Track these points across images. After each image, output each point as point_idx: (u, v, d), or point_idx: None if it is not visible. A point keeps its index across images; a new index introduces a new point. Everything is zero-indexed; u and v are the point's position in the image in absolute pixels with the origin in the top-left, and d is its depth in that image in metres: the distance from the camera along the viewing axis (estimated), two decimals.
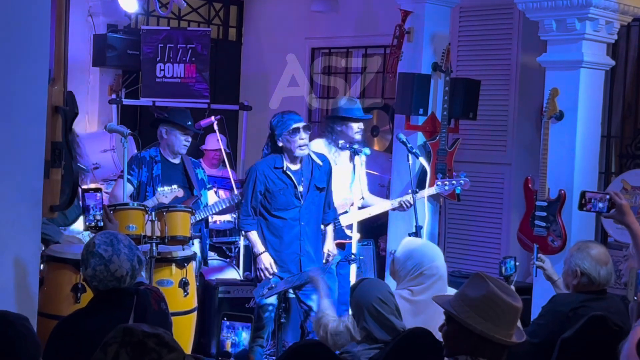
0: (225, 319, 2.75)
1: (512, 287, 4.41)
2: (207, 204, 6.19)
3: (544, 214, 6.14)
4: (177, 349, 2.38)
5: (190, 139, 6.14)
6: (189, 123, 6.11)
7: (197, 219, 5.96)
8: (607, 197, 4.07)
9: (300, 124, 5.55)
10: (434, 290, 4.10)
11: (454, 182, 6.29)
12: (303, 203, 5.62)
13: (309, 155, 5.67)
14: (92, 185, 6.92)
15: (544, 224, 6.13)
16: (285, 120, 5.56)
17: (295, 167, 5.63)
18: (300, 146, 5.54)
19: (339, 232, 6.02)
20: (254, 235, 5.64)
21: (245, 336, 2.74)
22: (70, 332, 3.35)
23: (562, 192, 6.09)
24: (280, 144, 5.58)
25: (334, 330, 4.18)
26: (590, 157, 6.27)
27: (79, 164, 5.07)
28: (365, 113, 6.43)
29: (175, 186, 5.81)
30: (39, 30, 3.61)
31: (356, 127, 6.11)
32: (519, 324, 3.13)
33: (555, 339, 4.03)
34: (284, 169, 5.59)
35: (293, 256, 5.62)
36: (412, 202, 5.96)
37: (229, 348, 2.72)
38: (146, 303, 3.45)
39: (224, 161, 7.51)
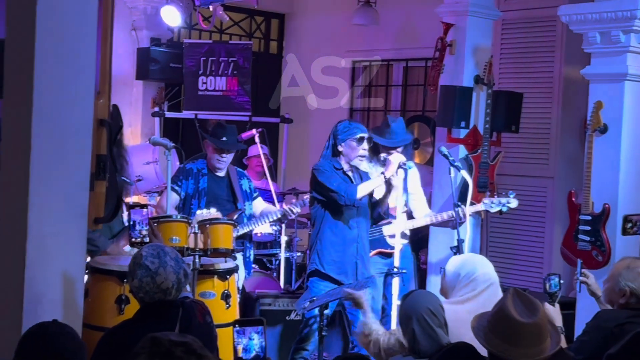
0: (236, 325, 2.77)
1: (557, 304, 4.37)
2: (251, 215, 6.16)
3: (588, 228, 6.07)
4: (205, 356, 2.39)
5: (226, 156, 6.02)
6: (224, 139, 6.01)
7: (240, 232, 5.96)
8: None
9: (366, 135, 5.67)
10: (488, 294, 4.05)
11: (502, 200, 6.09)
12: (359, 206, 5.66)
13: None
14: (136, 199, 6.98)
15: (588, 239, 6.07)
16: (352, 128, 5.67)
17: (349, 172, 5.73)
18: (360, 156, 5.68)
19: (381, 242, 6.01)
20: (363, 183, 5.62)
21: (256, 341, 2.75)
22: (116, 343, 3.38)
23: (607, 206, 6.02)
24: (341, 149, 5.67)
25: (386, 345, 4.17)
26: (634, 171, 6.20)
27: (124, 178, 5.08)
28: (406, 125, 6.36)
29: (213, 210, 5.65)
30: (86, 45, 3.66)
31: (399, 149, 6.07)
32: (562, 340, 3.09)
33: (600, 355, 3.98)
34: (344, 170, 5.68)
35: (351, 258, 5.64)
36: (462, 218, 5.86)
37: (240, 354, 2.73)
38: (191, 315, 3.47)
39: (265, 173, 7.52)
